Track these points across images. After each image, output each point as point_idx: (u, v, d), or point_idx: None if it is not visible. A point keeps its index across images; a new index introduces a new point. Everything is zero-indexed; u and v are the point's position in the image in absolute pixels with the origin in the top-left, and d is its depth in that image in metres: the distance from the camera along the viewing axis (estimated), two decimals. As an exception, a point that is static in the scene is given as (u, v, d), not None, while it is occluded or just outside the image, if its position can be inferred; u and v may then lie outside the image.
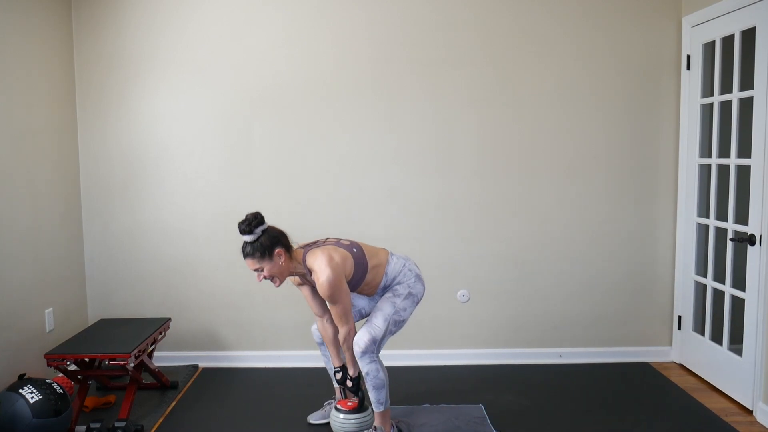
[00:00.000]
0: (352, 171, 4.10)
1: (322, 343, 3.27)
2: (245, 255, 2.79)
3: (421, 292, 3.03)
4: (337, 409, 3.08)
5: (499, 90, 4.06)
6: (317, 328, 3.24)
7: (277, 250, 2.78)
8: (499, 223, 4.14)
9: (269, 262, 2.79)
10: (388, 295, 2.98)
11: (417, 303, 3.02)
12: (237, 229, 2.84)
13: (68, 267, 3.99)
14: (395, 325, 2.95)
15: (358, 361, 2.94)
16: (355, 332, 2.94)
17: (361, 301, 3.17)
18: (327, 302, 2.95)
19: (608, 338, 4.21)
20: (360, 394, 3.08)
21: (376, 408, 3.00)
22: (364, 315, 3.18)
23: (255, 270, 2.81)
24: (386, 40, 4.02)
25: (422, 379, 3.92)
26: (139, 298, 4.19)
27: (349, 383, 3.07)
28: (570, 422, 3.30)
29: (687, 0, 3.96)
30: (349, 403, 3.08)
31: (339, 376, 3.14)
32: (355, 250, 2.94)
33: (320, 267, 2.78)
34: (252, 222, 2.76)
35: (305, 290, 3.12)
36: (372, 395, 2.98)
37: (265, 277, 2.81)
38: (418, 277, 3.03)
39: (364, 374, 2.95)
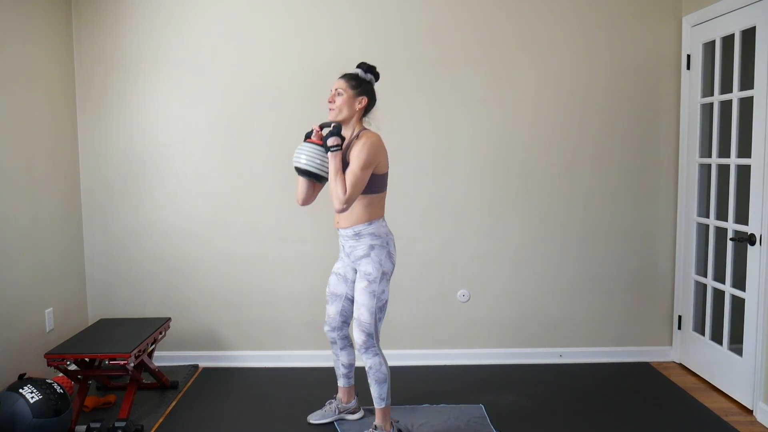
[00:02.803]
0: (352, 171, 4.10)
1: (334, 343, 3.27)
2: (345, 74, 3.01)
3: (392, 268, 3.05)
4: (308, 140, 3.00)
5: (498, 90, 4.06)
6: (328, 325, 3.25)
7: (363, 98, 2.98)
8: (499, 223, 4.14)
9: (351, 96, 2.97)
10: (363, 284, 2.98)
11: (390, 279, 3.05)
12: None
13: (68, 267, 3.99)
14: (381, 311, 3.01)
15: (362, 357, 2.99)
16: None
17: (342, 287, 3.18)
18: (350, 166, 2.87)
19: (608, 338, 4.21)
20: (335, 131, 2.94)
21: (377, 404, 3.01)
22: (350, 298, 3.18)
23: (336, 89, 2.97)
24: (385, 41, 4.02)
25: (422, 379, 3.92)
26: (139, 298, 4.18)
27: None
28: (570, 422, 3.30)
29: (687, 0, 3.97)
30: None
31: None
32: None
33: (370, 136, 2.92)
34: (373, 70, 3.04)
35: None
36: (374, 390, 3.00)
37: (331, 102, 2.98)
38: (390, 254, 3.03)
39: (367, 368, 3.00)
